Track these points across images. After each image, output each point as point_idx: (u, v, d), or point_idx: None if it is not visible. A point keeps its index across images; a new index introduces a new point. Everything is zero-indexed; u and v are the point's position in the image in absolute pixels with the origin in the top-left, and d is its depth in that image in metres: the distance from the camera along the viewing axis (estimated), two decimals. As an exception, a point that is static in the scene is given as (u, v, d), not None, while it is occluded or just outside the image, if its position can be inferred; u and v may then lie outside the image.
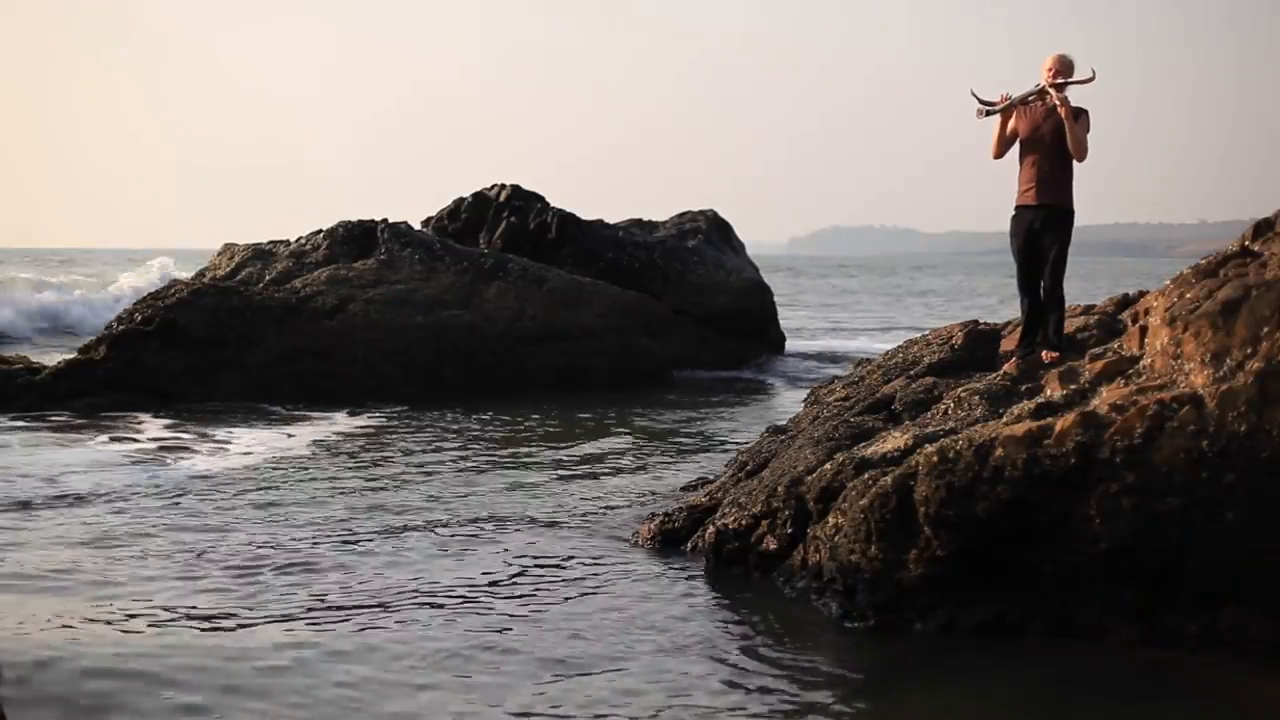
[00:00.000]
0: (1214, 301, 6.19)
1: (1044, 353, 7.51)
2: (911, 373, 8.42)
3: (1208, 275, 6.62)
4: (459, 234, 21.09)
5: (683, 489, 9.41)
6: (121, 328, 15.85)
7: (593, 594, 6.68)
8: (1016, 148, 7.74)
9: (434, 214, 22.03)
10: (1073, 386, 6.75)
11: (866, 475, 6.62)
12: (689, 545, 7.68)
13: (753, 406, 15.44)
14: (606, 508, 8.93)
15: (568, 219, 21.58)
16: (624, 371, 18.25)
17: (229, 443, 11.61)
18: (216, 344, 16.02)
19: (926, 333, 9.68)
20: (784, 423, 9.47)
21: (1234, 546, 5.64)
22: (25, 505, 8.62)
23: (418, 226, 20.64)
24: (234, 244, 20.32)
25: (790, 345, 23.23)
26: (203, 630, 5.94)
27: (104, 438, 11.78)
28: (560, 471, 10.45)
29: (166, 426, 12.55)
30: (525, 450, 11.55)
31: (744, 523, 7.38)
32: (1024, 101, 7.65)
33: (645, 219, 23.56)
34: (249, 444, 11.57)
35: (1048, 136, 7.56)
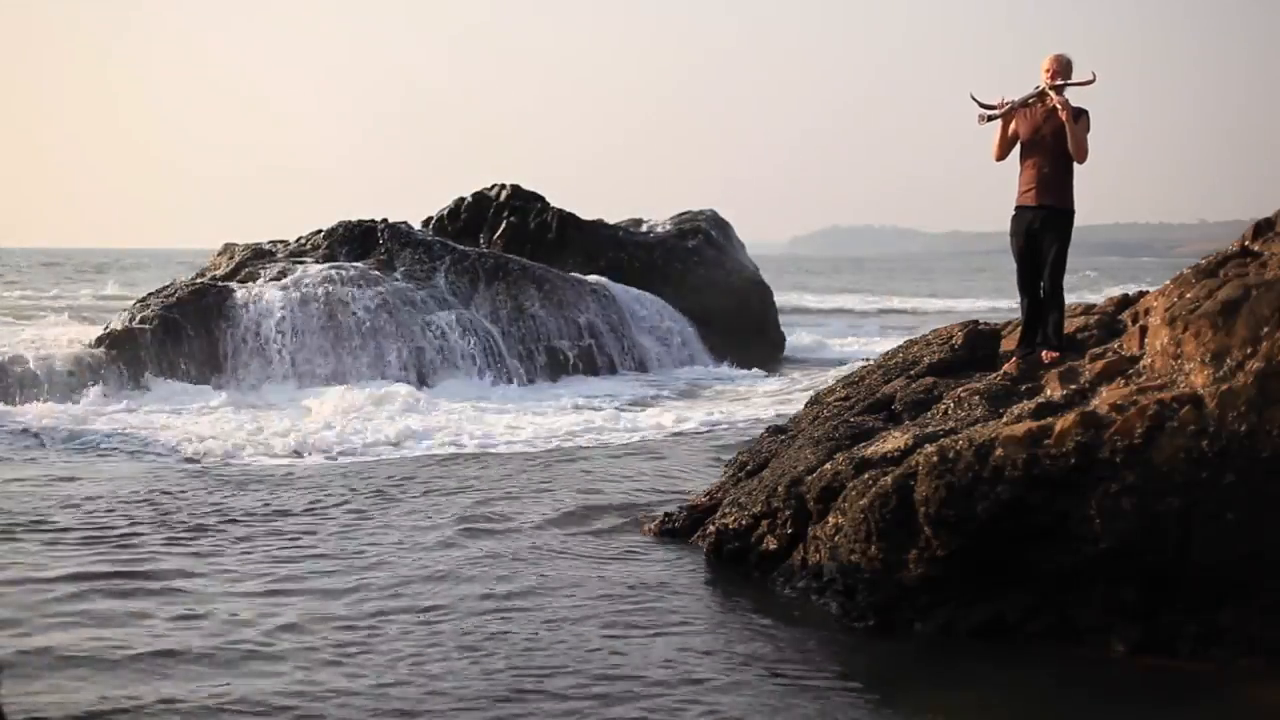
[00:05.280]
0: (1214, 301, 6.18)
1: (1044, 353, 7.50)
2: (911, 373, 8.42)
3: (1208, 275, 6.62)
4: (459, 234, 21.11)
5: (682, 489, 9.41)
6: (121, 327, 15.89)
7: (592, 595, 6.67)
8: (1018, 149, 7.74)
9: (434, 214, 22.04)
10: (1073, 386, 6.74)
11: (866, 475, 6.62)
12: (689, 545, 7.67)
13: (752, 406, 15.42)
14: (605, 507, 8.91)
15: (568, 219, 21.60)
16: (625, 368, 18.27)
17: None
18: (215, 343, 16.07)
19: (927, 333, 9.68)
20: (784, 423, 9.46)
21: (1234, 546, 5.63)
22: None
23: (418, 226, 20.65)
24: (234, 244, 20.35)
25: (790, 345, 23.25)
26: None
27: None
28: (559, 470, 10.44)
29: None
30: (523, 448, 11.55)
31: (744, 523, 7.38)
32: (1024, 104, 7.65)
33: (644, 219, 23.57)
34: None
35: (1048, 138, 7.55)
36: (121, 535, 7.83)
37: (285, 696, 5.08)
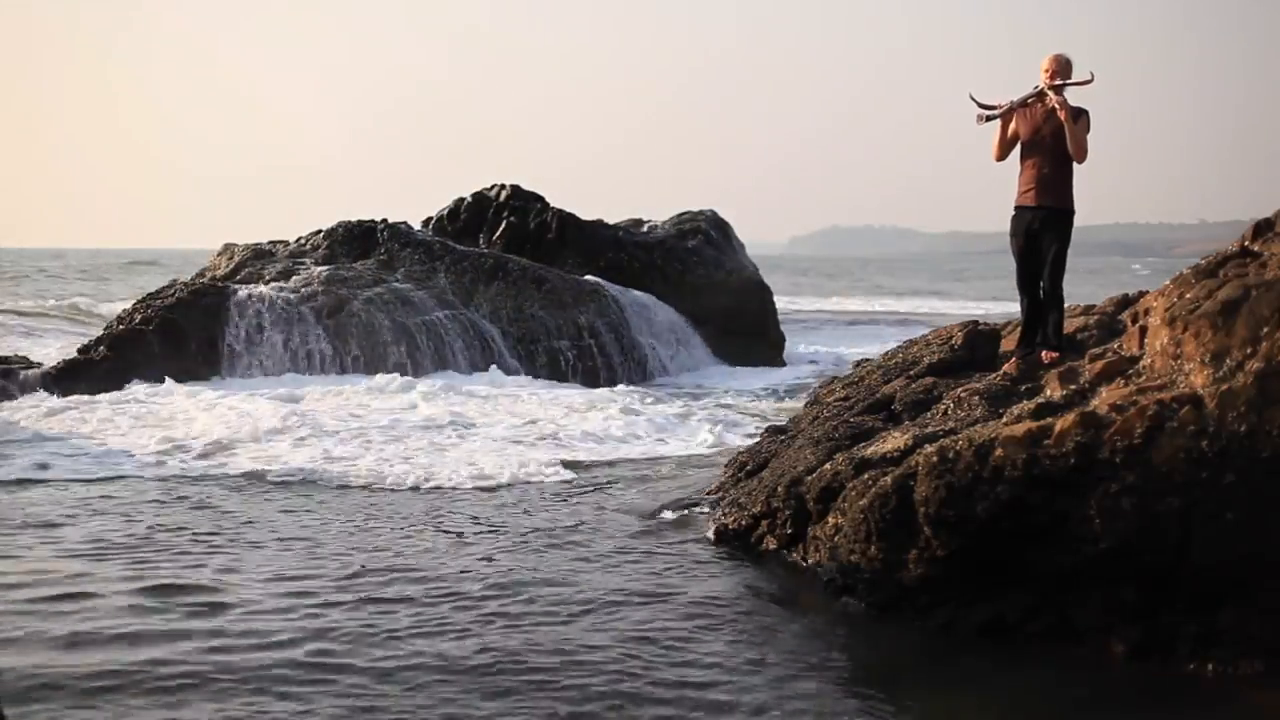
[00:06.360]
0: (1214, 301, 6.18)
1: (1044, 353, 7.51)
2: (911, 373, 8.42)
3: (1208, 275, 6.61)
4: (459, 234, 21.11)
5: (682, 489, 9.40)
6: (121, 327, 15.88)
7: (594, 596, 6.66)
8: (1018, 149, 7.75)
9: (434, 214, 22.04)
10: (1073, 386, 6.74)
11: (866, 475, 6.62)
12: (690, 545, 7.66)
13: (751, 406, 15.41)
14: (606, 507, 8.91)
15: (568, 219, 21.59)
16: (625, 371, 18.26)
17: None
18: (215, 344, 16.09)
19: (926, 333, 9.68)
20: (784, 423, 9.46)
21: (1234, 546, 5.63)
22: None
23: (418, 226, 20.66)
24: (233, 244, 20.37)
25: (790, 345, 23.24)
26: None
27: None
28: (559, 469, 10.43)
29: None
30: (519, 446, 11.53)
31: (744, 523, 7.39)
32: (1023, 104, 7.65)
33: (644, 219, 23.56)
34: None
35: (1048, 139, 7.56)
36: (129, 544, 7.63)
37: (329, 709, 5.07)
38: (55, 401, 13.72)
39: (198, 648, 5.61)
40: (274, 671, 5.34)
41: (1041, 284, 7.70)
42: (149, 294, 17.23)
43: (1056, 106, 7.47)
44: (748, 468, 8.46)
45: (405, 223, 19.95)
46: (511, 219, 21.37)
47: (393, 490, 9.59)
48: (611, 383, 17.12)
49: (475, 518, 8.55)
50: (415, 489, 9.62)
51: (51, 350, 19.45)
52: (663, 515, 8.42)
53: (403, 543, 7.73)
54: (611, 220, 22.87)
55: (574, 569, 7.15)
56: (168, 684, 5.18)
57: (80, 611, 6.12)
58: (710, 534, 7.66)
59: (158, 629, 5.91)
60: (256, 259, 19.35)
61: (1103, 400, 6.31)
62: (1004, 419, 6.57)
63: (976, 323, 9.06)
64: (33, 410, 13.15)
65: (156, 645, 5.65)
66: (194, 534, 7.90)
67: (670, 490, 9.50)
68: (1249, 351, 5.87)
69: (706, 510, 8.31)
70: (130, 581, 6.69)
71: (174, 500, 9.03)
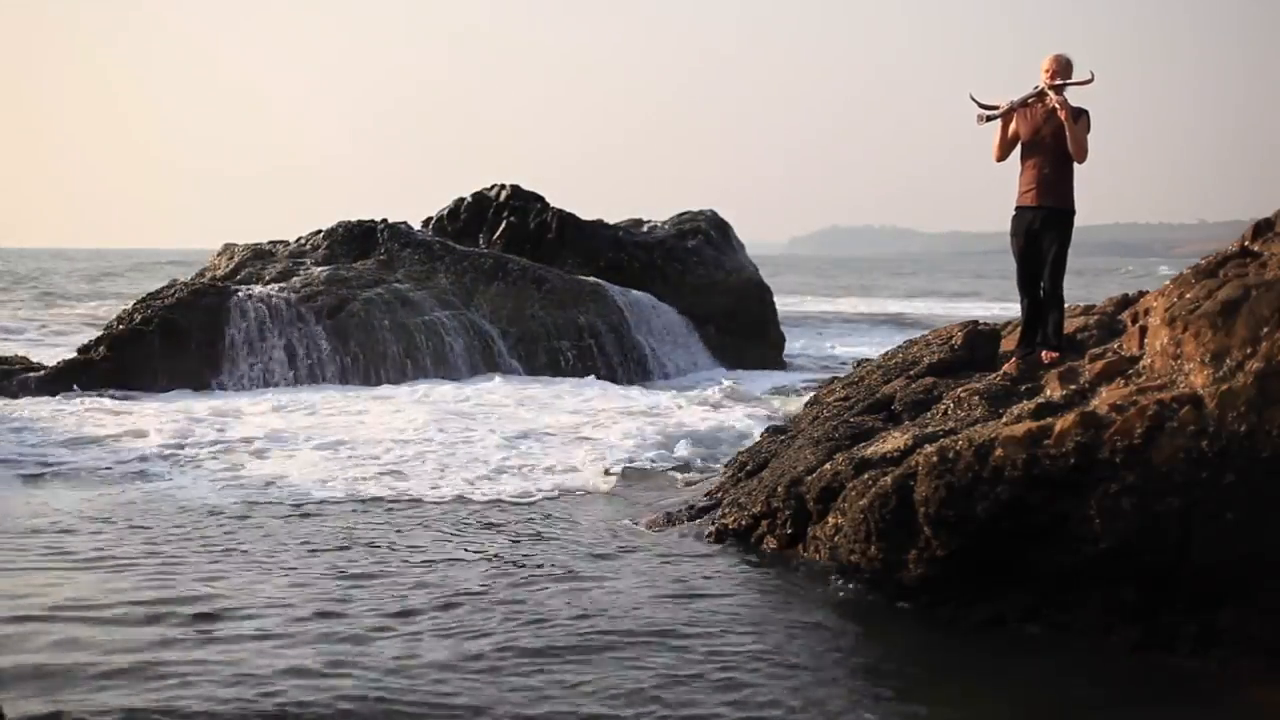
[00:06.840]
0: (1214, 301, 6.18)
1: (1044, 353, 7.51)
2: (911, 373, 8.43)
3: (1208, 275, 6.62)
4: (459, 234, 21.11)
5: (683, 489, 9.41)
6: (121, 327, 15.88)
7: (594, 597, 6.66)
8: (1018, 150, 7.75)
9: (434, 214, 22.04)
10: (1073, 386, 6.75)
11: (866, 475, 6.62)
12: (690, 543, 7.66)
13: (752, 406, 15.40)
14: (607, 508, 8.91)
15: (567, 219, 21.58)
16: (625, 371, 18.26)
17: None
18: (215, 344, 16.08)
19: (926, 333, 9.69)
20: (784, 423, 9.46)
21: (1234, 546, 5.63)
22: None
23: (418, 226, 20.67)
24: (233, 244, 20.39)
25: (790, 346, 23.24)
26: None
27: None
28: (559, 469, 10.44)
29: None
30: (518, 444, 11.55)
31: (744, 523, 7.39)
32: (1023, 104, 7.66)
33: (644, 219, 23.55)
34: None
35: (1048, 139, 7.57)
36: (136, 555, 7.36)
37: None
38: (55, 403, 13.71)
39: (217, 679, 5.27)
40: (294, 712, 5.02)
41: (1042, 284, 7.71)
42: (149, 294, 17.19)
43: (1057, 106, 7.48)
44: (748, 468, 8.46)
45: (405, 223, 19.96)
46: (511, 219, 21.37)
47: (405, 500, 9.31)
48: (612, 383, 17.10)
49: (480, 523, 8.53)
50: (421, 500, 9.39)
51: (49, 351, 19.46)
52: (663, 516, 8.43)
53: (413, 550, 7.72)
54: (611, 220, 22.87)
55: (575, 569, 7.15)
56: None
57: (90, 633, 5.84)
58: (710, 534, 7.66)
59: (173, 655, 5.59)
60: (256, 259, 19.35)
61: (1103, 400, 6.31)
62: (1004, 419, 6.57)
63: (976, 323, 9.08)
64: (32, 412, 13.11)
65: (175, 674, 5.32)
66: (202, 544, 7.65)
67: (670, 491, 9.52)
68: (1249, 351, 5.87)
69: (707, 510, 8.32)
70: (139, 597, 6.42)
71: (179, 508, 8.79)
